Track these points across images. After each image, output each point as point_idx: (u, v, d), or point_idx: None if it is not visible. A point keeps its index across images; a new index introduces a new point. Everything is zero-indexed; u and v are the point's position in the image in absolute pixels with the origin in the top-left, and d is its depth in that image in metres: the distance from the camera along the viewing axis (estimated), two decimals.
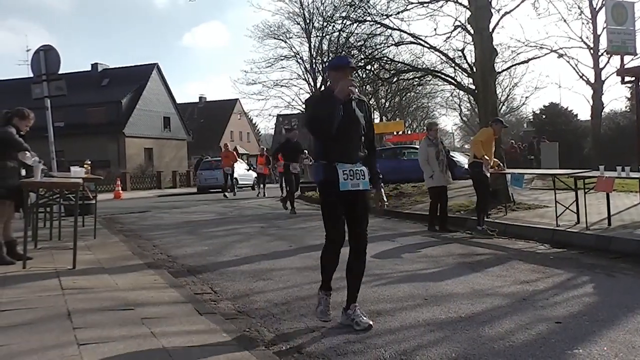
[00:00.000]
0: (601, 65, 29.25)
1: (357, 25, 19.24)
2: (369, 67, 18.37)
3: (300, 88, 43.23)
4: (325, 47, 38.46)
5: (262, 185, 24.50)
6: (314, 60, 41.35)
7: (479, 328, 4.30)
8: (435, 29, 27.81)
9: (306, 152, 15.92)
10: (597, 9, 28.09)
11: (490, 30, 13.58)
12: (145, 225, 12.55)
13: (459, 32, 16.01)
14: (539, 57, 25.44)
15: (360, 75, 20.67)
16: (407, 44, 17.94)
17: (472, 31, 14.07)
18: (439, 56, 18.03)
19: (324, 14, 36.41)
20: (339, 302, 4.66)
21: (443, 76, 17.29)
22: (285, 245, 8.93)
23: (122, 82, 46.48)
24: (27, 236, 6.87)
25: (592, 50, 29.45)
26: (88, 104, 43.86)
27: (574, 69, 30.73)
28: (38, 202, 8.84)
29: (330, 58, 34.95)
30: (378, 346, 3.93)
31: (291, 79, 43.13)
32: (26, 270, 6.42)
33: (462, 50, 17.02)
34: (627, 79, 15.84)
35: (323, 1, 38.14)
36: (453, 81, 16.87)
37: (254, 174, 29.53)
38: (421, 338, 4.13)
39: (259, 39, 45.85)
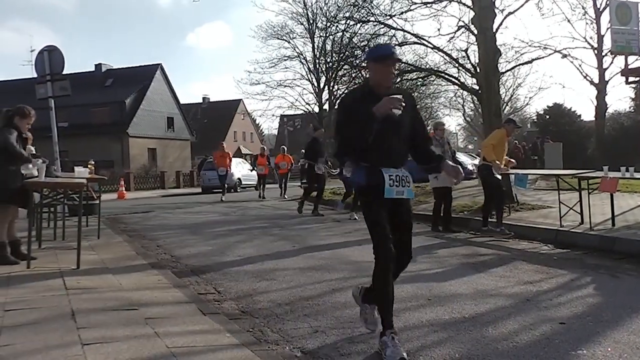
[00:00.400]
0: (605, 66, 29.22)
1: (361, 26, 19.30)
2: None
3: (304, 88, 43.29)
4: (328, 47, 38.55)
5: (262, 187, 22.52)
6: (317, 61, 41.39)
7: (482, 328, 4.30)
8: (438, 29, 28.01)
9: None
10: (601, 9, 28.05)
11: (494, 30, 13.58)
12: (149, 226, 12.56)
13: (463, 33, 16.01)
14: (542, 58, 25.34)
15: (364, 75, 20.69)
16: (410, 44, 17.95)
17: (475, 31, 14.07)
18: (443, 56, 18.06)
19: (327, 14, 36.45)
20: (342, 302, 4.65)
21: (446, 76, 17.29)
22: (288, 245, 8.93)
23: (125, 82, 46.55)
24: (31, 236, 6.87)
25: (596, 51, 29.40)
26: (92, 104, 43.93)
27: (578, 69, 30.87)
28: (42, 202, 8.85)
29: (332, 58, 35.10)
30: None
31: (295, 79, 43.18)
32: (30, 270, 6.43)
33: (466, 51, 17.02)
34: (631, 79, 15.83)
35: (327, 1, 38.19)
36: (457, 81, 16.87)
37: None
38: (425, 338, 4.13)
39: (262, 39, 45.96)
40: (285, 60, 42.10)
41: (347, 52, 21.91)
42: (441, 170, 4.17)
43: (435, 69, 19.75)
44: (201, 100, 72.80)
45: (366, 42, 18.13)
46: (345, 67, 24.37)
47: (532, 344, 3.95)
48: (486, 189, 9.85)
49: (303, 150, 15.39)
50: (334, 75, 38.36)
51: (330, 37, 35.30)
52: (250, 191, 29.14)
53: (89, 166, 12.84)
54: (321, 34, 39.20)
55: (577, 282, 5.99)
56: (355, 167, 4.02)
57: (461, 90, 35.91)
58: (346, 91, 4.52)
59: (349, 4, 19.64)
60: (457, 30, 15.94)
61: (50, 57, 12.27)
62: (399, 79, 19.42)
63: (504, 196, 9.93)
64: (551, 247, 8.24)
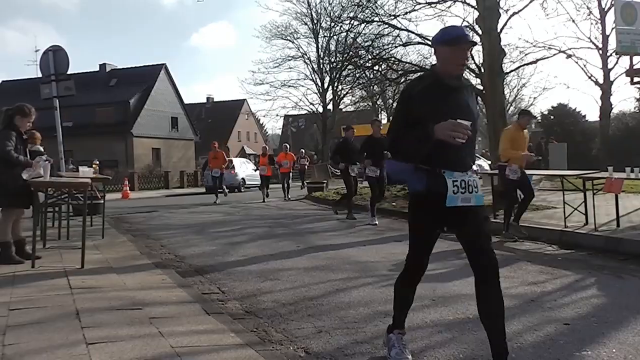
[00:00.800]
0: (610, 66, 29.18)
1: (365, 26, 19.34)
2: (376, 67, 18.39)
3: (308, 88, 43.48)
4: (332, 47, 38.66)
5: (266, 189, 21.15)
6: (321, 61, 41.50)
7: None
8: None
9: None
10: (606, 9, 27.97)
11: (499, 30, 13.58)
12: (153, 225, 12.58)
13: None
14: (547, 58, 25.35)
15: (368, 75, 20.70)
16: (414, 44, 18.01)
17: (480, 31, 14.06)
18: None
19: (331, 14, 36.57)
20: (346, 302, 4.63)
21: None
22: (292, 245, 8.93)
23: (130, 82, 46.62)
24: (36, 235, 6.89)
25: (600, 51, 29.34)
26: (96, 104, 44.01)
27: (583, 69, 30.62)
28: (47, 201, 8.87)
29: (336, 58, 35.14)
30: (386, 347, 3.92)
31: (299, 80, 43.38)
32: (35, 269, 6.44)
33: (470, 51, 17.00)
34: (636, 79, 15.75)
35: (331, 1, 38.33)
36: None
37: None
38: (429, 339, 4.13)
39: (266, 39, 46.28)
40: (289, 60, 42.30)
41: (351, 52, 21.89)
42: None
43: None
44: (205, 100, 72.85)
45: (370, 42, 18.14)
46: (349, 67, 24.35)
47: (536, 344, 3.95)
48: (504, 188, 9.67)
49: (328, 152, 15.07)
50: (337, 76, 38.46)
51: (335, 37, 35.43)
52: (254, 191, 29.15)
53: (93, 166, 12.89)
54: (325, 34, 39.32)
55: (582, 283, 5.97)
56: (409, 168, 3.49)
57: None
58: (413, 79, 3.92)
59: (353, 4, 19.69)
60: None
61: (54, 57, 12.29)
62: (403, 79, 19.45)
63: (513, 199, 9.47)
64: (555, 247, 8.22)
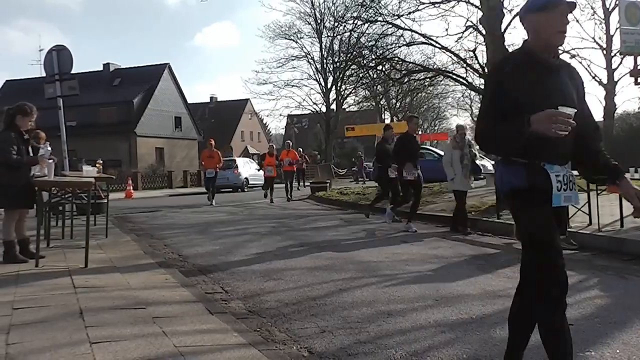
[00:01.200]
0: (614, 66, 29.13)
1: (369, 26, 19.35)
2: (380, 67, 18.38)
3: (311, 88, 43.39)
4: (336, 47, 38.64)
5: (271, 191, 19.70)
6: (324, 61, 41.44)
7: (490, 329, 4.28)
8: (446, 30, 28.15)
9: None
10: (610, 9, 27.94)
11: (502, 30, 13.55)
12: (156, 225, 12.60)
13: (471, 33, 16.00)
14: None
15: (371, 75, 20.70)
16: (418, 44, 17.97)
17: (484, 32, 14.05)
18: (451, 57, 18.05)
19: (335, 14, 36.52)
20: (349, 302, 4.62)
21: (454, 77, 17.27)
22: (296, 245, 8.93)
23: (133, 82, 46.66)
24: (40, 235, 6.91)
25: (604, 51, 29.29)
26: (100, 104, 44.07)
27: (587, 69, 30.57)
28: (50, 201, 8.88)
29: (340, 58, 35.13)
30: (389, 347, 3.92)
31: (302, 79, 43.26)
32: (39, 268, 6.46)
33: (474, 51, 16.99)
34: None
35: (334, 1, 38.36)
36: (464, 82, 16.86)
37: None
38: (432, 339, 4.12)
39: (270, 39, 46.31)
40: (292, 60, 42.23)
41: (354, 52, 21.90)
42: (620, 190, 2.93)
43: (443, 69, 19.73)
44: (209, 100, 72.92)
45: (374, 42, 18.13)
46: (353, 67, 24.38)
47: (540, 345, 3.91)
48: None
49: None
50: (341, 75, 38.44)
51: (338, 36, 35.38)
52: (257, 191, 29.14)
53: (97, 165, 12.91)
54: (329, 34, 39.29)
55: (586, 284, 5.96)
56: (504, 162, 2.94)
57: (469, 91, 35.82)
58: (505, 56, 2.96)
59: (356, 3, 19.67)
60: (465, 31, 15.94)
61: (58, 57, 12.32)
62: (406, 79, 19.45)
63: None
64: None
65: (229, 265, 7.23)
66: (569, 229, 8.50)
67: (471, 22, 15.86)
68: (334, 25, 35.40)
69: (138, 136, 44.26)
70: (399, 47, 17.87)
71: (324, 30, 40.50)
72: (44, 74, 13.13)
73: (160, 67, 49.32)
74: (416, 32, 17.06)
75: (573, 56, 24.67)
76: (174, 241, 9.60)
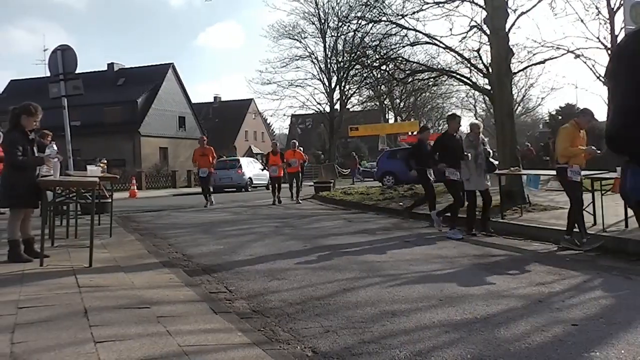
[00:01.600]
0: None
1: (373, 25, 19.33)
2: (384, 67, 18.37)
3: (315, 88, 43.54)
4: (340, 47, 38.66)
5: (277, 192, 18.62)
6: (328, 60, 41.43)
7: (494, 329, 4.28)
8: (450, 29, 27.72)
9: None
10: (615, 9, 27.80)
11: (507, 30, 13.51)
12: (160, 224, 12.62)
13: (475, 33, 15.91)
14: (555, 58, 25.01)
15: (375, 75, 20.68)
16: (422, 44, 17.89)
17: (488, 31, 14.00)
18: (455, 56, 17.95)
19: (339, 13, 36.51)
20: (353, 302, 4.62)
21: (458, 76, 17.21)
22: (299, 245, 8.94)
23: (137, 81, 46.79)
24: (44, 234, 6.92)
25: (609, 51, 29.17)
26: (104, 104, 44.21)
27: (591, 69, 30.34)
28: (55, 200, 8.91)
29: (344, 58, 35.10)
30: (393, 347, 3.92)
31: (306, 79, 43.28)
32: (43, 268, 6.47)
33: (478, 51, 16.92)
34: None
35: (338, 1, 38.27)
36: (468, 81, 16.80)
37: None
38: (436, 339, 4.12)
39: (274, 38, 46.31)
40: (296, 59, 42.22)
41: (358, 52, 21.87)
42: None
43: (447, 69, 19.67)
44: (212, 100, 72.98)
45: (378, 42, 18.11)
46: (357, 66, 24.36)
47: (544, 345, 3.93)
48: (567, 194, 8.60)
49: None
50: (345, 75, 38.45)
51: (342, 36, 35.44)
52: (261, 191, 29.17)
53: (101, 165, 12.93)
54: (333, 34, 39.27)
55: (590, 284, 5.95)
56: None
57: (473, 91, 35.81)
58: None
59: (360, 3, 19.71)
60: (469, 30, 15.85)
61: (63, 56, 12.35)
62: (410, 79, 19.42)
63: (580, 201, 8.41)
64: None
65: (233, 264, 7.24)
66: (574, 230, 8.49)
67: (475, 21, 15.77)
68: (338, 25, 35.45)
69: (142, 136, 44.38)
70: (403, 47, 17.82)
71: (328, 30, 40.50)
72: (48, 74, 13.17)
73: (164, 67, 49.44)
74: (420, 32, 17.02)
75: (577, 56, 24.49)
76: (178, 241, 9.61)
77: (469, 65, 17.36)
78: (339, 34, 36.28)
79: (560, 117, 39.61)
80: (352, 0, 30.82)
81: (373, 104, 49.40)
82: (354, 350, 3.88)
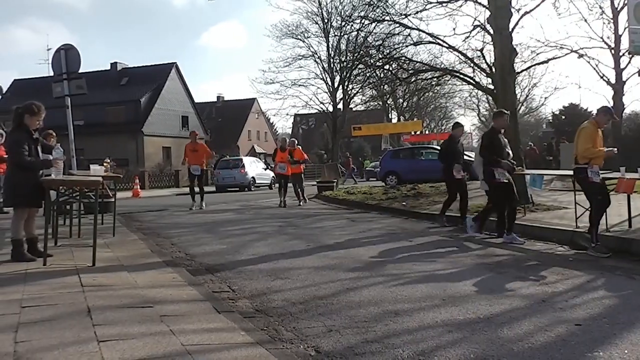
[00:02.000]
0: (622, 66, 28.94)
1: (376, 25, 19.25)
2: (387, 66, 18.35)
3: (318, 87, 43.33)
4: (343, 46, 38.58)
5: (284, 192, 17.59)
6: (331, 60, 41.39)
7: (497, 329, 4.27)
8: (454, 29, 27.78)
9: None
10: (618, 9, 27.77)
11: (510, 30, 13.50)
12: (163, 224, 12.63)
13: (478, 32, 15.90)
14: (558, 58, 25.05)
15: (378, 74, 20.66)
16: (425, 43, 17.90)
17: (491, 31, 13.99)
18: (458, 56, 17.98)
19: (342, 13, 36.46)
20: (356, 301, 4.61)
21: (461, 76, 17.19)
22: (302, 244, 8.94)
23: (141, 81, 46.81)
24: (48, 234, 6.93)
25: (613, 51, 29.12)
26: (107, 103, 44.27)
27: (595, 69, 30.47)
28: (58, 200, 8.92)
29: (347, 57, 35.05)
30: (396, 346, 3.92)
31: (309, 79, 43.18)
32: (46, 267, 6.48)
33: (481, 50, 16.93)
34: None
35: (341, 1, 38.19)
36: (472, 81, 16.78)
37: (272, 173, 29.30)
38: (439, 339, 4.11)
39: (277, 38, 46.13)
40: (299, 59, 42.15)
41: (361, 52, 21.84)
42: None
43: (450, 68, 19.70)
44: (215, 99, 73.04)
45: (381, 42, 18.09)
46: (360, 66, 24.30)
47: (547, 345, 3.93)
48: (587, 196, 8.34)
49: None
50: (348, 75, 38.38)
51: (345, 36, 35.34)
52: (264, 190, 29.19)
53: (104, 164, 12.94)
54: (336, 33, 39.22)
55: (593, 284, 5.94)
56: None
57: (476, 90, 35.74)
58: None
59: (364, 3, 19.62)
60: (472, 30, 15.84)
61: (66, 56, 12.38)
62: (413, 79, 19.40)
63: (606, 202, 8.11)
64: (567, 248, 8.18)
65: (236, 264, 7.24)
66: (577, 230, 8.48)
67: (479, 21, 15.77)
68: (341, 24, 35.39)
69: (145, 135, 44.40)
70: (406, 46, 17.81)
71: (331, 29, 40.46)
72: (51, 73, 13.20)
73: (168, 67, 49.45)
74: (423, 32, 17.01)
75: (581, 56, 24.50)
76: (181, 240, 9.62)
77: (472, 64, 17.37)
78: (342, 34, 36.22)
79: (563, 117, 39.54)
80: (356, 0, 30.80)
81: (376, 103, 49.30)
82: (357, 349, 3.88)
